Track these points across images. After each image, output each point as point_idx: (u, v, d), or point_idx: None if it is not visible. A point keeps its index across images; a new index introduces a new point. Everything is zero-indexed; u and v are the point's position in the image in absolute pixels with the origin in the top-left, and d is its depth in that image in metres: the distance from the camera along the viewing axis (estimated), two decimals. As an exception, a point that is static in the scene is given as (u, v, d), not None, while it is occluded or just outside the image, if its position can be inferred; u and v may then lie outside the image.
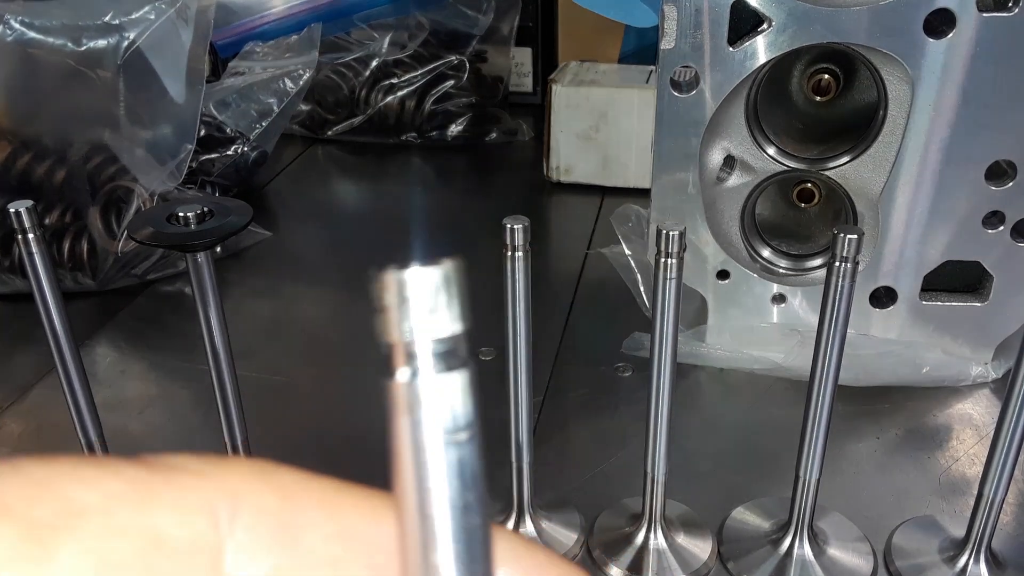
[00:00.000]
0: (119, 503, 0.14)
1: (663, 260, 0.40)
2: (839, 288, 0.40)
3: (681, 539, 0.48)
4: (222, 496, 0.15)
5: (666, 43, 0.52)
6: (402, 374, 0.13)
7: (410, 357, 0.13)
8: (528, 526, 0.48)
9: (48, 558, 0.13)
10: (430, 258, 0.13)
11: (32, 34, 0.68)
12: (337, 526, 0.15)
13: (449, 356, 0.14)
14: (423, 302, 0.13)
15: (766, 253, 0.62)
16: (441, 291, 0.13)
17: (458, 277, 0.13)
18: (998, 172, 0.54)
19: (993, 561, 0.45)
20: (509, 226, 0.40)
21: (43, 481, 0.14)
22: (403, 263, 0.13)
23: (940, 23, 0.50)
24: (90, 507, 0.14)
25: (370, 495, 0.16)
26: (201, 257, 0.42)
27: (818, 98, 0.58)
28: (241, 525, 0.15)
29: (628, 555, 0.47)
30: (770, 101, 0.58)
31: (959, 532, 0.47)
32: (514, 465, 0.47)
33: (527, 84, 1.13)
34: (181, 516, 0.14)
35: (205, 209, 0.42)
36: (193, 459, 0.15)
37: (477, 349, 0.63)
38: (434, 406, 0.14)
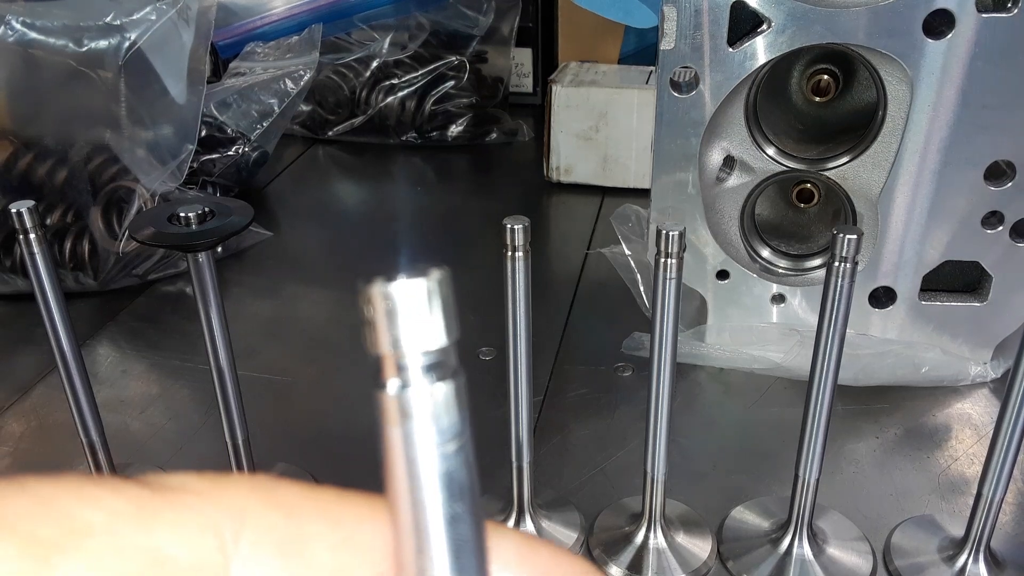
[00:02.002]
0: (123, 522, 0.14)
1: (663, 260, 0.40)
2: (838, 288, 0.40)
3: (681, 538, 0.48)
4: (225, 515, 0.15)
5: (666, 44, 0.53)
6: (392, 386, 0.13)
7: (399, 369, 0.13)
8: (528, 525, 0.48)
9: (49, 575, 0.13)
10: (417, 267, 0.13)
11: (33, 35, 0.68)
12: (341, 535, 0.15)
13: (439, 367, 0.13)
14: (411, 313, 0.13)
15: (765, 253, 0.62)
16: (429, 301, 0.13)
17: (446, 286, 0.13)
18: (997, 172, 0.54)
19: (992, 560, 0.46)
20: (509, 226, 0.40)
21: (47, 499, 0.14)
22: (390, 273, 0.13)
23: (939, 24, 0.50)
24: (93, 526, 0.14)
25: (370, 502, 0.16)
26: (202, 257, 0.42)
27: (817, 99, 0.58)
28: (246, 543, 0.15)
29: (628, 554, 0.47)
30: (770, 101, 0.58)
31: (958, 531, 0.47)
32: (514, 464, 0.47)
33: (527, 85, 1.13)
34: (185, 536, 0.14)
35: (206, 209, 0.42)
36: (195, 478, 0.15)
37: (477, 349, 0.63)
38: (424, 417, 0.13)
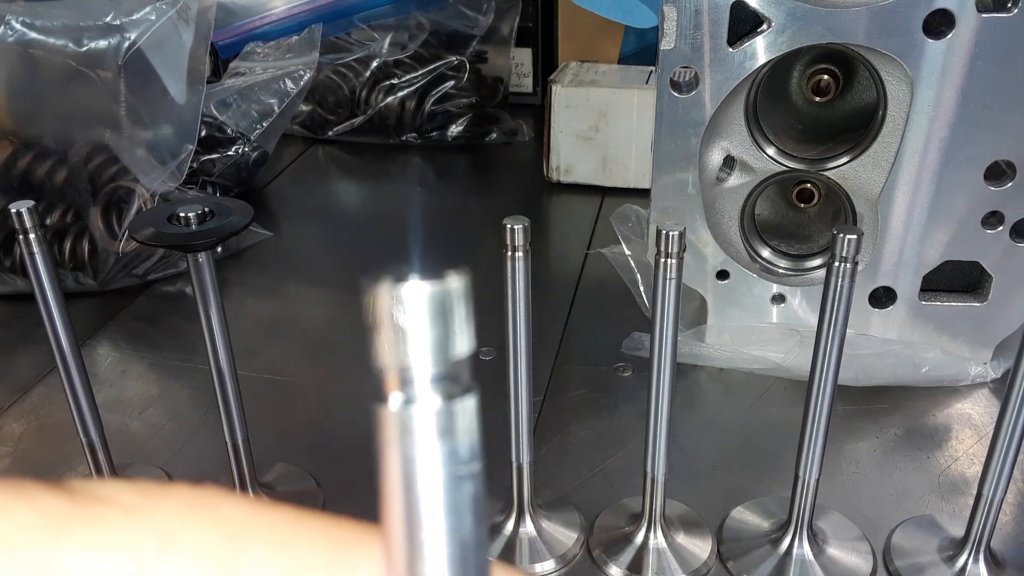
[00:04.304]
0: (29, 537, 0.13)
1: (663, 260, 0.40)
2: (838, 288, 0.40)
3: (681, 538, 0.48)
4: (151, 534, 0.13)
5: (666, 44, 0.52)
6: (395, 400, 0.12)
7: (405, 382, 0.12)
8: (528, 526, 0.48)
9: None
10: (432, 269, 0.12)
11: (33, 35, 0.68)
12: (288, 566, 0.14)
13: (450, 382, 0.12)
14: (423, 320, 0.12)
15: (766, 253, 0.62)
16: (444, 307, 0.12)
17: (463, 290, 0.12)
18: (997, 172, 0.54)
19: (992, 560, 0.46)
20: (509, 226, 0.40)
21: None
22: (401, 273, 0.11)
23: (939, 24, 0.50)
24: None
25: (329, 528, 0.15)
26: (202, 257, 0.42)
27: (817, 98, 0.58)
28: (173, 568, 0.13)
29: (628, 554, 0.47)
30: (770, 101, 0.58)
31: (958, 531, 0.47)
32: (514, 465, 0.47)
33: (527, 85, 1.13)
34: (98, 556, 0.13)
35: (206, 209, 0.42)
36: (126, 489, 0.14)
37: (477, 349, 0.63)
38: (430, 438, 0.12)
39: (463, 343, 0.12)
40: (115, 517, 0.13)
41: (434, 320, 0.12)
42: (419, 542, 0.12)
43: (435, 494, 0.12)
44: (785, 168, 0.58)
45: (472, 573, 0.13)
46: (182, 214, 0.42)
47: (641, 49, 1.04)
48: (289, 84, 0.91)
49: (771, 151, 0.58)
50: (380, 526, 0.13)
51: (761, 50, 0.52)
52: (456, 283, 0.12)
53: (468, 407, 0.12)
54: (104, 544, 0.13)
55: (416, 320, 0.12)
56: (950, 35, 0.50)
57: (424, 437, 0.12)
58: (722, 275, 0.61)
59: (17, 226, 0.41)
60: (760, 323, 0.62)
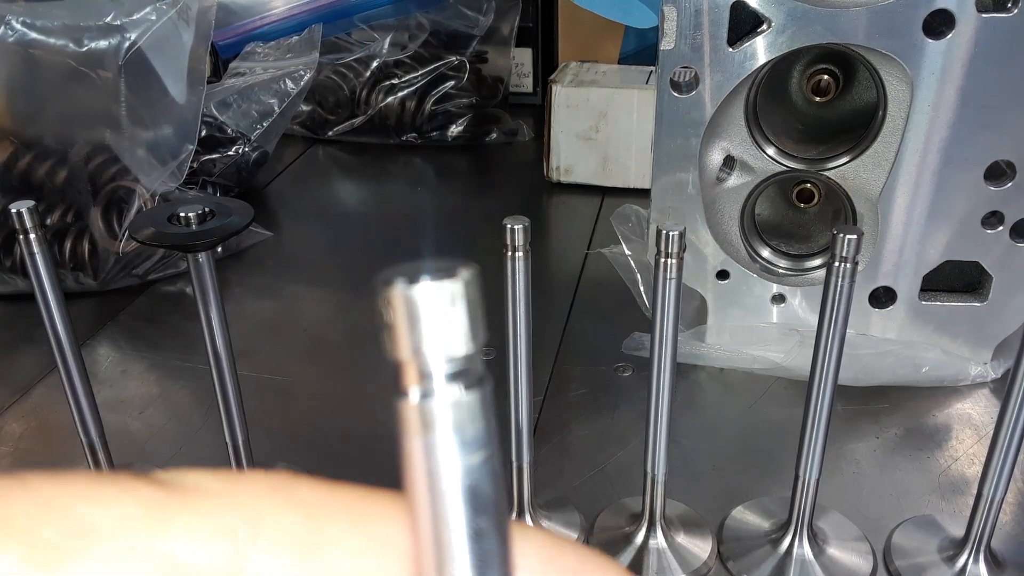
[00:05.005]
0: (133, 525, 0.13)
1: (663, 260, 0.40)
2: (838, 288, 0.40)
3: (681, 538, 0.48)
4: (241, 518, 0.14)
5: (666, 44, 0.52)
6: (414, 394, 0.13)
7: (422, 376, 0.12)
8: (528, 525, 0.48)
9: None
10: (443, 267, 0.12)
11: (33, 35, 0.68)
12: (365, 538, 0.15)
13: (464, 374, 0.13)
14: (435, 317, 0.12)
15: (766, 253, 0.62)
16: (455, 304, 0.12)
17: (473, 288, 0.12)
18: (997, 172, 0.54)
19: (992, 560, 0.46)
20: (509, 226, 0.40)
21: (52, 498, 0.13)
22: (414, 273, 0.12)
23: (939, 24, 0.50)
24: (101, 529, 0.13)
25: (395, 501, 0.15)
26: (202, 257, 0.42)
27: (817, 98, 0.58)
28: (263, 548, 0.14)
29: (628, 554, 0.47)
30: (770, 101, 0.58)
31: (958, 531, 0.47)
32: (514, 464, 0.47)
33: (527, 84, 1.13)
34: (199, 541, 0.13)
35: (206, 209, 0.42)
36: (209, 477, 0.14)
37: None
38: (448, 428, 0.13)
39: (475, 337, 0.13)
40: (206, 504, 0.14)
41: (448, 313, 0.12)
42: (443, 522, 0.13)
43: (454, 478, 0.13)
44: (785, 168, 0.58)
45: (492, 549, 0.13)
46: (182, 214, 0.42)
47: (641, 49, 1.04)
48: (289, 84, 0.91)
49: (771, 151, 0.58)
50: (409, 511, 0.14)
51: (761, 50, 0.52)
52: (466, 279, 0.12)
53: (481, 397, 0.13)
54: (202, 529, 0.14)
55: (430, 314, 0.12)
56: (950, 35, 0.50)
57: (441, 426, 0.13)
58: (722, 275, 0.61)
59: (17, 226, 0.41)
60: (760, 323, 0.62)
